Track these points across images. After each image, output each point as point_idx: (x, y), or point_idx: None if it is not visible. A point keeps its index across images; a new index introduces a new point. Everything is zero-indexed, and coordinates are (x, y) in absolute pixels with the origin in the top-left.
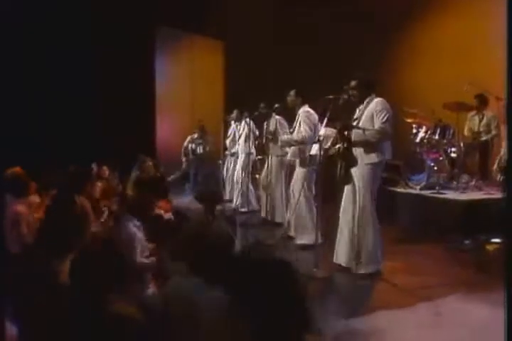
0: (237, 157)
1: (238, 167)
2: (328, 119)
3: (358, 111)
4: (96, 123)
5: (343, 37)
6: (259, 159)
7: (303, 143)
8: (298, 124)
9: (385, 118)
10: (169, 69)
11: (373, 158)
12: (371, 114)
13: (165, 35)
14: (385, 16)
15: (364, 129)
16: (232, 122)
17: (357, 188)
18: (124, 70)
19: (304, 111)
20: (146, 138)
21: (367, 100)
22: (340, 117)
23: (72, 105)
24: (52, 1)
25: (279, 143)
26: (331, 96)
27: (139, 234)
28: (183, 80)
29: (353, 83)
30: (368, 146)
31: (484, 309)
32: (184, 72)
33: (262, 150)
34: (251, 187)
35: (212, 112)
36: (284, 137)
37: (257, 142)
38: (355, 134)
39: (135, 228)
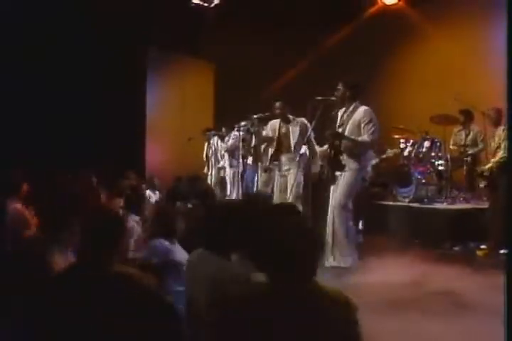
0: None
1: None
2: (317, 121)
3: (340, 116)
4: (85, 142)
5: (333, 52)
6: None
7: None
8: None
9: (372, 129)
10: (160, 90)
11: (356, 164)
12: (358, 122)
13: (156, 57)
14: (375, 38)
15: (353, 140)
16: (215, 137)
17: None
18: (114, 91)
19: (293, 118)
20: (136, 156)
21: (351, 107)
22: (329, 123)
23: (60, 126)
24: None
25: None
26: (319, 98)
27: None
28: (174, 101)
29: (339, 85)
30: (352, 154)
31: None
32: (175, 93)
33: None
34: None
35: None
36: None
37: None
38: (343, 143)
39: (134, 222)
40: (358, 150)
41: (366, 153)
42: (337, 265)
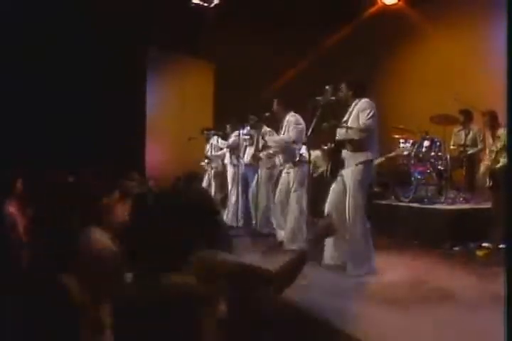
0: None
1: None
2: (317, 120)
3: (347, 113)
4: (85, 142)
5: (333, 52)
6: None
7: (293, 143)
8: (286, 128)
9: (369, 115)
10: (160, 90)
11: (360, 157)
12: (357, 113)
13: (156, 57)
14: (375, 37)
15: (347, 127)
16: (215, 137)
17: (347, 188)
18: (114, 91)
19: (291, 115)
20: (136, 156)
21: (355, 102)
22: (328, 119)
23: (60, 126)
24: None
25: (271, 144)
26: (319, 98)
27: None
28: (174, 101)
29: (342, 86)
30: (354, 145)
31: None
32: (175, 93)
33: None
34: (240, 201)
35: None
36: (276, 137)
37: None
38: (339, 133)
39: None
40: (357, 140)
41: (368, 143)
42: (353, 273)
